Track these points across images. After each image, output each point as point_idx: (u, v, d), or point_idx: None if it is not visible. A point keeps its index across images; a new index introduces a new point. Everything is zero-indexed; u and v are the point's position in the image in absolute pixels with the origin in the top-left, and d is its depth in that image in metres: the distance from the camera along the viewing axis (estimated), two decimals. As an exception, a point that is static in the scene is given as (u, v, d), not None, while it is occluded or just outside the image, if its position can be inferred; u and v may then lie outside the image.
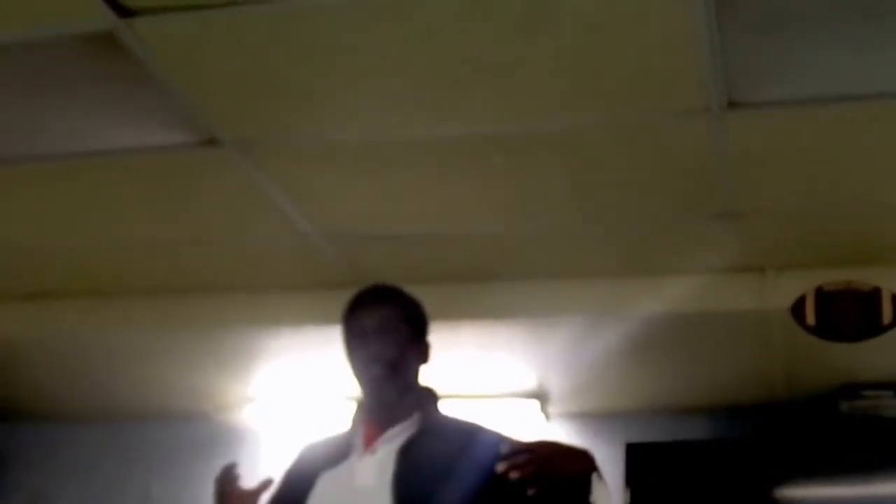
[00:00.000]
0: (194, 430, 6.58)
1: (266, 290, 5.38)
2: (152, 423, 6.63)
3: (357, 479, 3.11)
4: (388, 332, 3.22)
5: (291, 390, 6.10)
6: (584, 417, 5.97)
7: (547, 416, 5.95)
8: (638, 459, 5.62)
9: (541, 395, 5.83)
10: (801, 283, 4.77)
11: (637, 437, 5.76)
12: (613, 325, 5.09)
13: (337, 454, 3.20)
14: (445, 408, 3.33)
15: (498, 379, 5.76)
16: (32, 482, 6.76)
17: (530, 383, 5.76)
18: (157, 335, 5.68)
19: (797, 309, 4.76)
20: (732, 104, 3.67)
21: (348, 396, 5.87)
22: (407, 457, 3.09)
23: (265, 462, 6.17)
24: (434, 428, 3.18)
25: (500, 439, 3.12)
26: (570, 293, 5.06)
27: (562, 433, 5.96)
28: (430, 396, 3.31)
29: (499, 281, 5.13)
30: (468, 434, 3.17)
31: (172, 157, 4.24)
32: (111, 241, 5.05)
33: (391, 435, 3.15)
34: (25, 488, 6.75)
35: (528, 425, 5.93)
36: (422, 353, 3.32)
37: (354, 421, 3.28)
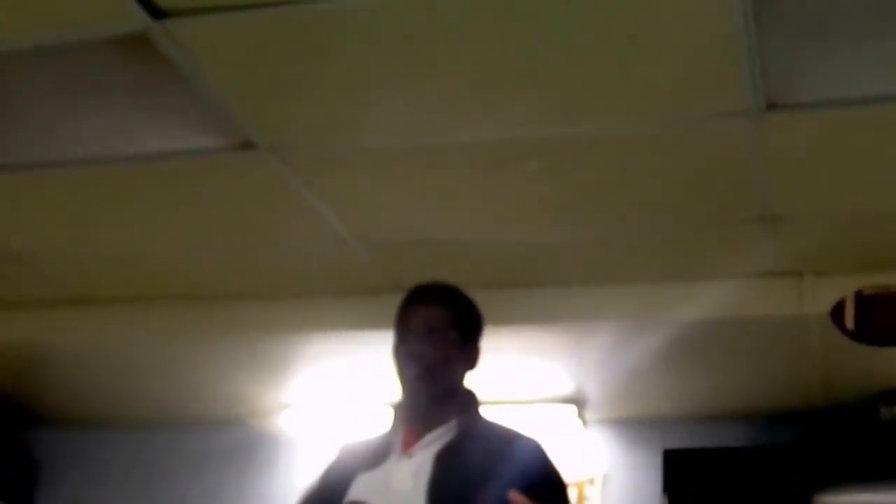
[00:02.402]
0: (230, 436, 6.62)
1: (302, 295, 5.38)
2: (188, 429, 6.68)
3: (393, 482, 3.08)
4: (434, 333, 3.19)
5: (327, 396, 6.12)
6: (621, 423, 5.99)
7: (584, 422, 5.96)
8: (676, 466, 5.65)
9: (578, 401, 5.83)
10: (839, 288, 4.74)
11: (675, 443, 5.77)
12: (651, 330, 5.08)
13: (375, 456, 3.17)
14: (487, 413, 3.30)
15: (536, 384, 5.76)
16: (69, 489, 6.83)
17: (568, 389, 5.76)
18: (192, 341, 5.70)
19: (836, 313, 4.73)
20: (771, 106, 3.64)
21: (384, 402, 5.92)
22: (443, 462, 3.06)
23: (301, 468, 6.24)
24: (472, 434, 3.15)
25: (539, 448, 3.12)
26: (607, 299, 5.05)
27: (600, 439, 5.97)
28: (471, 402, 3.28)
29: (536, 287, 5.13)
30: (506, 442, 3.14)
31: (207, 161, 4.23)
32: (146, 246, 5.06)
33: (429, 440, 3.13)
34: (62, 495, 6.82)
35: (565, 431, 5.93)
36: (468, 358, 3.29)
37: (394, 423, 3.25)
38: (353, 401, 6.00)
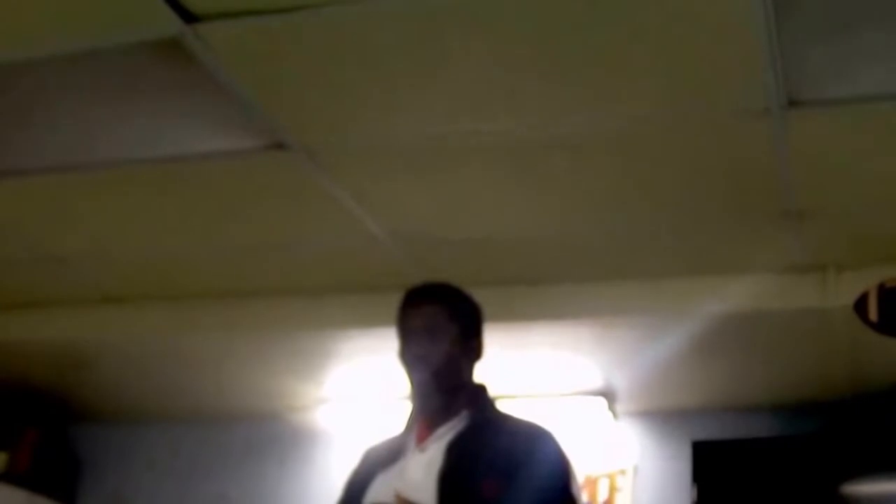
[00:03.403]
0: (269, 430, 6.64)
1: (337, 292, 5.41)
2: (228, 424, 6.71)
3: (407, 475, 3.13)
4: (434, 332, 3.25)
5: (363, 391, 6.14)
6: (650, 415, 5.98)
7: (614, 415, 5.96)
8: (704, 456, 5.63)
9: (608, 394, 5.84)
10: (862, 281, 4.73)
11: (704, 434, 5.76)
12: (678, 324, 5.09)
13: (392, 455, 3.24)
14: (499, 404, 3.35)
15: (566, 378, 5.77)
16: (110, 484, 6.84)
17: (597, 382, 5.77)
18: (230, 338, 5.75)
19: (860, 306, 4.74)
20: (792, 103, 3.67)
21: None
22: (454, 453, 3.12)
23: (338, 462, 6.27)
24: (482, 425, 3.21)
25: (549, 438, 3.18)
26: (635, 294, 5.07)
27: (629, 431, 5.99)
28: (481, 393, 3.33)
29: (566, 282, 5.15)
30: (516, 432, 3.20)
31: (240, 162, 4.28)
32: (183, 245, 5.13)
33: (441, 432, 3.19)
34: (104, 490, 6.85)
35: (596, 424, 5.97)
36: (473, 350, 3.34)
37: (408, 421, 3.31)
38: (390, 395, 6.01)
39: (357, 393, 6.19)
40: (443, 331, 3.26)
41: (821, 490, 5.36)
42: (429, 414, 3.24)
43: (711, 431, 5.78)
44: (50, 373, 6.34)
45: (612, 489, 5.87)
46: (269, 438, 6.61)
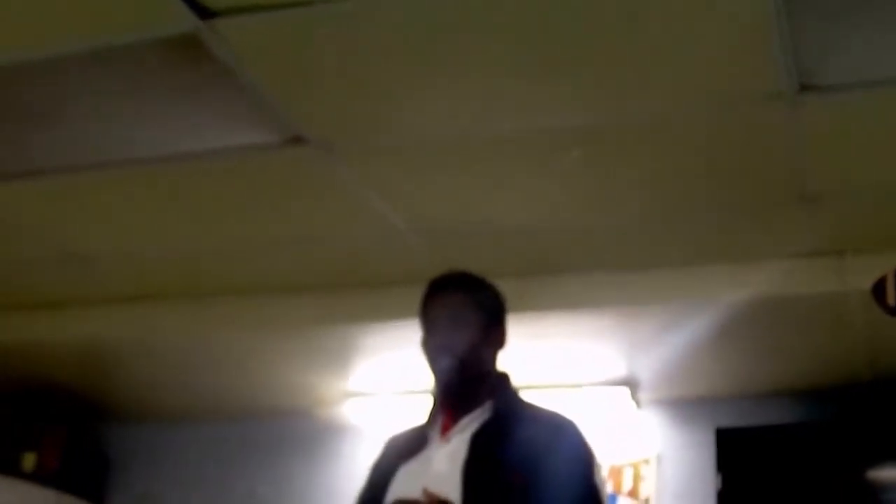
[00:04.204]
0: (296, 426, 6.67)
1: (361, 286, 5.43)
2: (254, 421, 6.73)
3: (431, 467, 3.11)
4: (457, 320, 3.23)
5: (388, 384, 6.15)
6: (674, 403, 5.98)
7: (638, 403, 5.96)
8: (728, 444, 5.62)
9: (631, 383, 5.84)
10: (880, 265, 4.71)
11: (727, 421, 5.75)
12: (699, 312, 5.10)
13: (416, 445, 3.21)
14: (523, 394, 3.32)
15: (588, 368, 5.78)
16: (140, 483, 6.86)
17: (620, 371, 5.77)
18: (254, 335, 5.78)
19: (878, 290, 4.73)
20: (805, 88, 3.66)
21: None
22: (478, 443, 3.09)
23: (365, 456, 6.30)
24: (506, 415, 3.18)
25: (572, 428, 3.16)
26: (655, 282, 5.08)
27: (653, 419, 5.99)
28: (504, 383, 3.30)
29: (587, 272, 5.15)
30: (539, 422, 3.18)
31: (259, 157, 4.30)
32: (205, 242, 5.15)
33: (465, 423, 3.16)
34: (132, 489, 6.88)
35: (619, 413, 5.99)
36: (496, 339, 3.32)
37: (432, 412, 3.28)
38: (416, 388, 6.03)
39: (382, 387, 6.20)
40: (466, 320, 3.24)
41: (847, 475, 5.34)
42: (452, 404, 3.21)
43: (735, 418, 5.77)
44: (77, 372, 6.39)
45: (637, 478, 5.87)
46: (297, 434, 6.63)
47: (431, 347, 3.24)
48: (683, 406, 5.95)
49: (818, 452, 5.44)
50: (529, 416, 3.21)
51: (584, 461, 3.12)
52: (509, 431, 3.12)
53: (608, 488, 5.77)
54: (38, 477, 6.47)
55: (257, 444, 6.72)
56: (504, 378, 3.32)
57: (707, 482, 5.67)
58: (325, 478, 6.54)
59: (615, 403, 5.91)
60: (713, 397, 5.90)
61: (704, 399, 5.92)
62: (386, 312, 5.40)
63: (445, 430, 3.19)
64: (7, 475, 6.32)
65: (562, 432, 3.14)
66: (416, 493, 3.00)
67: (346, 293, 5.49)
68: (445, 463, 3.09)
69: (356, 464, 6.19)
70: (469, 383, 3.19)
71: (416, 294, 5.24)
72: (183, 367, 6.23)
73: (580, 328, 5.41)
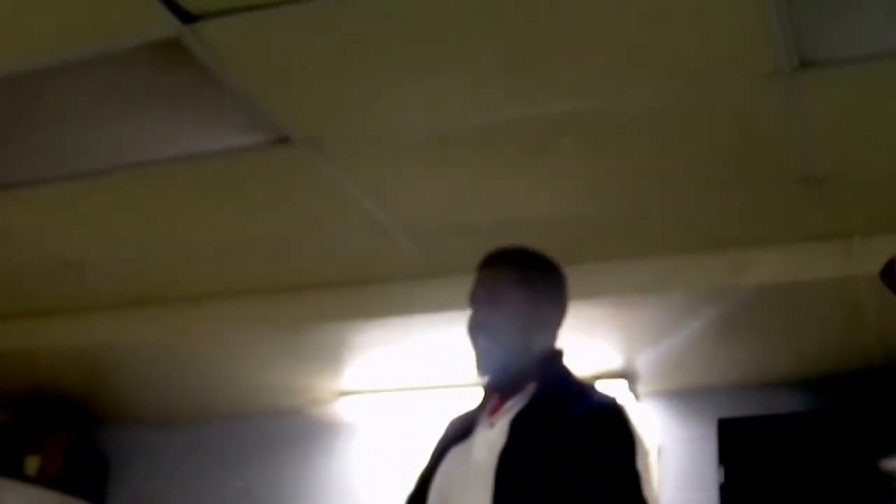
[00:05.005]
0: (290, 425, 6.67)
1: (350, 284, 5.40)
2: (248, 420, 6.74)
3: (473, 453, 3.00)
4: (496, 297, 3.10)
5: (381, 382, 6.14)
6: (674, 395, 5.91)
7: (636, 396, 5.89)
8: (731, 435, 5.54)
9: (628, 375, 5.77)
10: (889, 247, 4.64)
11: (729, 412, 5.68)
12: (700, 301, 5.03)
13: (466, 428, 3.10)
14: (569, 371, 3.16)
15: (584, 360, 5.67)
16: (139, 484, 6.90)
17: (617, 363, 5.72)
18: (246, 335, 5.78)
19: (886, 273, 4.67)
20: (804, 64, 3.60)
21: (437, 385, 5.96)
22: (515, 430, 2.95)
23: (359, 454, 6.31)
24: (547, 397, 3.02)
25: (617, 411, 2.97)
26: (653, 271, 5.01)
27: (652, 412, 5.94)
28: (551, 363, 3.13)
29: (582, 262, 4.99)
30: (582, 404, 2.99)
31: (247, 158, 4.30)
32: (196, 245, 5.16)
33: (508, 407, 3.04)
34: (131, 489, 6.92)
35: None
36: (545, 317, 3.16)
37: (485, 392, 3.15)
38: (408, 385, 6.04)
39: (375, 384, 6.19)
40: (505, 296, 3.09)
41: (853, 465, 5.25)
42: (497, 385, 3.10)
43: (737, 409, 5.69)
44: (76, 377, 6.43)
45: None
46: (291, 433, 6.65)
47: (469, 326, 3.12)
48: (684, 397, 5.88)
49: (823, 442, 5.36)
50: (572, 397, 3.03)
51: (625, 446, 2.91)
52: (549, 416, 2.96)
53: (653, 477, 5.77)
54: (42, 480, 6.56)
55: (252, 444, 6.76)
56: (552, 357, 3.15)
57: (709, 474, 5.60)
58: (319, 475, 6.56)
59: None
60: (714, 388, 5.82)
61: (705, 389, 5.84)
62: (377, 310, 5.40)
63: (493, 412, 3.07)
64: (12, 479, 6.41)
65: (604, 416, 2.95)
66: (458, 479, 2.96)
67: (337, 291, 5.45)
68: (485, 451, 2.96)
69: (350, 461, 6.30)
70: (510, 364, 3.06)
71: (406, 291, 5.27)
72: (178, 370, 6.25)
73: (576, 321, 5.23)
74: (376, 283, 5.33)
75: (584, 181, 4.47)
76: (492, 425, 3.03)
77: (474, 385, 3.27)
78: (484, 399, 3.15)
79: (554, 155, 4.24)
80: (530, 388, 3.04)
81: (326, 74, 3.72)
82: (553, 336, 3.17)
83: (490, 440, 2.98)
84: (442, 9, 3.37)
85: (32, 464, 6.62)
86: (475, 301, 3.14)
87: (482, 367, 3.09)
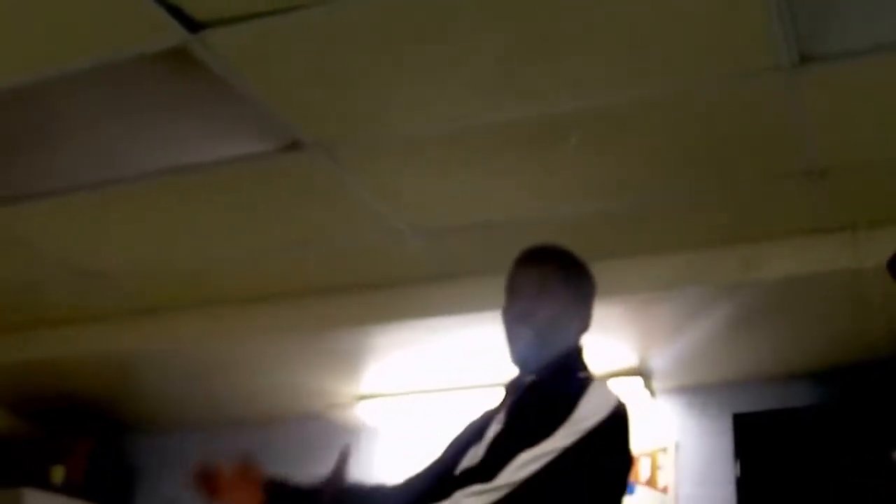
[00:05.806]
0: (311, 430, 6.66)
1: (365, 288, 5.41)
2: (271, 426, 6.74)
3: (481, 446, 2.96)
4: (542, 291, 3.04)
5: (401, 385, 6.15)
6: (689, 391, 5.91)
7: (652, 392, 5.90)
8: (746, 429, 5.56)
9: (643, 372, 5.78)
10: (894, 238, 4.68)
11: (744, 406, 5.69)
12: (712, 296, 5.04)
13: (483, 424, 3.06)
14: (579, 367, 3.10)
15: (599, 359, 5.66)
16: (164, 491, 6.88)
17: (632, 361, 5.71)
18: (266, 341, 5.80)
19: (893, 264, 4.67)
20: (804, 59, 3.62)
21: (457, 387, 5.98)
22: (507, 421, 2.95)
23: (380, 457, 6.32)
24: (540, 385, 2.97)
25: (603, 391, 2.92)
26: (665, 268, 5.02)
27: (668, 408, 5.96)
28: (569, 355, 3.08)
29: (593, 261, 5.04)
30: (570, 387, 2.91)
31: (259, 164, 4.32)
32: (213, 252, 5.19)
33: (508, 402, 3.03)
34: (158, 497, 6.89)
35: (633, 403, 5.90)
36: (580, 319, 3.13)
37: (506, 391, 3.10)
38: (427, 387, 6.06)
39: (394, 387, 6.20)
40: (552, 292, 3.05)
41: (869, 457, 5.22)
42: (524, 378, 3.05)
43: (752, 403, 5.70)
44: (99, 385, 6.45)
45: (654, 468, 5.83)
46: (313, 437, 6.61)
47: (510, 316, 3.06)
48: (699, 393, 5.88)
49: (839, 434, 5.35)
50: (564, 383, 2.96)
51: (614, 460, 2.90)
52: (535, 402, 2.94)
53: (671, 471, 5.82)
54: (67, 489, 6.56)
55: (274, 448, 6.63)
56: (571, 352, 3.11)
57: (726, 469, 5.61)
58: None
59: (628, 393, 5.83)
60: (729, 382, 5.82)
61: (720, 385, 5.84)
62: (395, 313, 5.41)
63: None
64: (38, 488, 6.42)
65: (585, 393, 2.86)
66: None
67: (354, 296, 5.47)
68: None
69: (369, 465, 6.29)
70: (545, 357, 3.01)
71: (422, 293, 5.28)
72: (199, 377, 6.27)
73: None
74: (393, 286, 5.35)
75: (593, 179, 4.49)
76: (499, 422, 3.01)
77: (494, 386, 3.25)
78: (504, 397, 3.12)
79: (560, 153, 4.25)
80: (529, 378, 3.02)
81: (335, 78, 3.75)
82: (579, 336, 3.15)
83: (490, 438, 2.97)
84: (449, 11, 3.39)
85: (58, 473, 6.61)
86: (519, 293, 3.08)
87: (519, 357, 3.05)
